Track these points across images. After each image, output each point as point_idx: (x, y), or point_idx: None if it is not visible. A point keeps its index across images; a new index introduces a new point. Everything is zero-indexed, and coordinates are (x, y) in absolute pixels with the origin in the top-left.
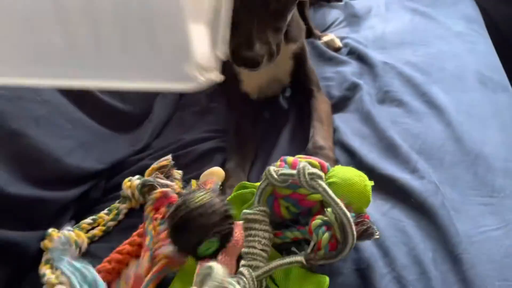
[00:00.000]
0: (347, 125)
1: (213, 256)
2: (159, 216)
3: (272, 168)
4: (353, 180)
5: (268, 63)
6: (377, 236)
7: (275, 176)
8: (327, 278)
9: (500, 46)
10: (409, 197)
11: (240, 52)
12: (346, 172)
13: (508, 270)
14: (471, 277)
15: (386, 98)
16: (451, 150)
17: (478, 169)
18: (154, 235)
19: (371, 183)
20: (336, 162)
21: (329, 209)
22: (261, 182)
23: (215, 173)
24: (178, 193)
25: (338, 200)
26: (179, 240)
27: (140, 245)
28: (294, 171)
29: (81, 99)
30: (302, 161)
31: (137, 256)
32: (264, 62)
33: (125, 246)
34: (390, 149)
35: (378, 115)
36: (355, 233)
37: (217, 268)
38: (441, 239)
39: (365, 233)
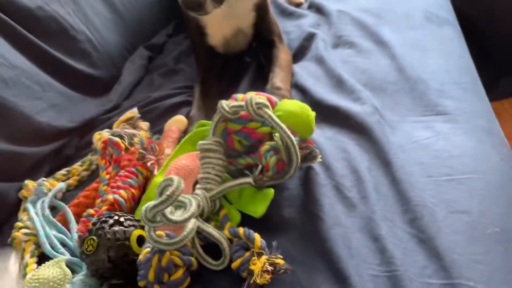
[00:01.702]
0: (303, 69)
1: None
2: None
3: (224, 102)
4: (297, 111)
5: (216, 5)
6: (320, 160)
7: (227, 109)
8: (272, 190)
9: None
10: (350, 120)
11: None
12: (290, 105)
13: (434, 169)
14: (399, 176)
15: (340, 42)
16: (393, 80)
17: (416, 93)
18: (108, 179)
19: (313, 113)
20: None
21: (276, 134)
22: (214, 116)
23: (178, 121)
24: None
25: (283, 125)
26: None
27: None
28: (243, 103)
29: (49, 65)
30: (250, 93)
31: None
32: (208, 3)
33: (89, 191)
34: (338, 84)
35: (331, 58)
36: (299, 154)
37: (177, 181)
38: (375, 151)
39: (309, 156)
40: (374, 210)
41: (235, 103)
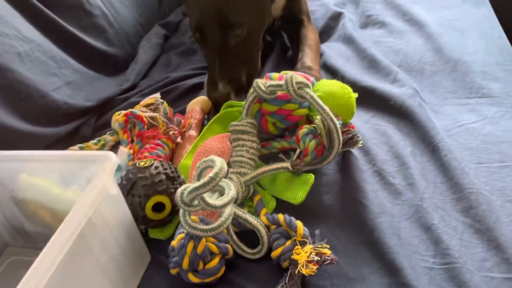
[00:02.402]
0: (331, 49)
1: (166, 219)
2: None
3: (259, 81)
4: (338, 93)
5: (238, 98)
6: (361, 145)
7: (263, 88)
8: (312, 175)
9: None
10: (388, 102)
11: (208, 92)
12: (330, 86)
13: (484, 155)
14: (448, 161)
15: (368, 22)
16: (430, 61)
17: (457, 75)
18: (132, 154)
19: (355, 95)
20: None
21: (318, 117)
22: (248, 95)
23: (201, 101)
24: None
25: (325, 107)
26: (129, 203)
27: None
28: (282, 82)
29: (64, 40)
30: (288, 72)
31: None
32: (231, 98)
33: None
34: (372, 65)
35: (360, 37)
36: (341, 138)
37: (220, 162)
38: (419, 135)
39: (350, 141)
40: (422, 198)
41: (273, 82)
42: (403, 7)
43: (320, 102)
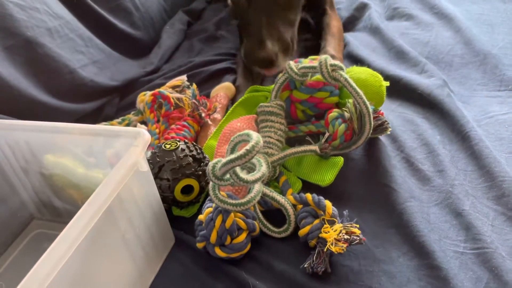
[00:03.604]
0: (356, 39)
1: (194, 200)
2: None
3: (292, 62)
4: (369, 80)
5: (285, 59)
6: (389, 132)
7: (295, 70)
8: (342, 158)
9: None
10: (416, 92)
11: (253, 54)
12: (361, 73)
13: None
14: (480, 150)
15: (395, 14)
16: (460, 53)
17: (487, 68)
18: (158, 133)
19: (386, 83)
20: None
21: (350, 100)
22: (279, 77)
23: (226, 87)
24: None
25: (359, 90)
26: (158, 186)
27: None
28: (315, 64)
29: (91, 20)
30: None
31: None
32: (279, 59)
33: None
34: (399, 55)
35: (387, 29)
36: (372, 123)
37: (256, 136)
38: (448, 124)
39: (380, 127)
40: (453, 184)
41: (306, 64)
42: (431, 0)
43: (354, 84)
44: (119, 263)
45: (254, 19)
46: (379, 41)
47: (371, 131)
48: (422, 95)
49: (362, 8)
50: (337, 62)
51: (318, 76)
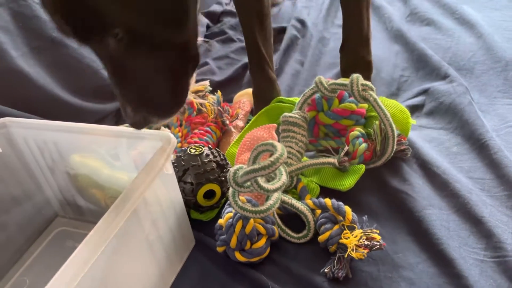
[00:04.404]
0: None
1: (215, 205)
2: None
3: (322, 78)
4: (396, 116)
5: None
6: (408, 155)
7: (325, 85)
8: (364, 166)
9: None
10: (438, 100)
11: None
12: (390, 107)
13: None
14: (498, 159)
15: (416, 19)
16: (481, 60)
17: (508, 74)
18: (180, 137)
19: (413, 121)
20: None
21: (376, 122)
22: (307, 90)
23: (248, 94)
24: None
25: (387, 112)
26: (181, 189)
27: None
28: (346, 81)
29: None
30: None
31: None
32: (154, 120)
33: None
34: (421, 59)
35: (409, 32)
36: (395, 147)
37: (281, 148)
38: (466, 133)
39: (401, 152)
40: (470, 192)
41: (336, 81)
42: (452, 6)
43: (383, 106)
44: (142, 264)
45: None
46: (401, 44)
47: (392, 154)
48: (443, 103)
49: (378, 8)
50: (368, 83)
51: (346, 104)
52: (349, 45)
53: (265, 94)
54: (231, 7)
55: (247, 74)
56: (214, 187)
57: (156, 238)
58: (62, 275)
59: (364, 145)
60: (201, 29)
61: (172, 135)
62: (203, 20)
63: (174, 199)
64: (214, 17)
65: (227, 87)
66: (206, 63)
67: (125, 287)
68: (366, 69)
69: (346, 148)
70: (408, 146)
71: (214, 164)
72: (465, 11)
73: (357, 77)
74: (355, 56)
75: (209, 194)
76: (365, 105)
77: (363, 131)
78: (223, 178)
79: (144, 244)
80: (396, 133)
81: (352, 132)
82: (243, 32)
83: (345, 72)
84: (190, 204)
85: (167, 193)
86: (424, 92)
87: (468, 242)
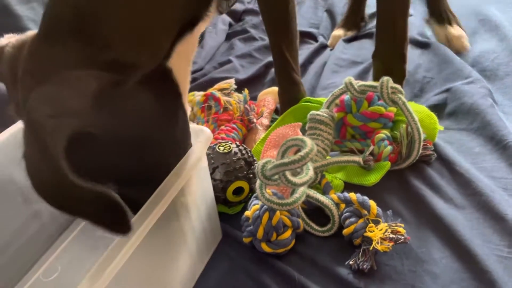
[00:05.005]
0: None
1: (243, 201)
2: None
3: (352, 79)
4: (424, 121)
5: None
6: (432, 160)
7: (355, 87)
8: (389, 163)
9: None
10: (459, 101)
11: None
12: (418, 112)
13: None
14: None
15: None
16: (505, 61)
17: None
18: None
19: (441, 128)
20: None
21: (403, 125)
22: (336, 90)
23: (273, 92)
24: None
25: (415, 116)
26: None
27: None
28: (376, 84)
29: None
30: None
31: None
32: None
33: None
34: (444, 60)
35: (431, 35)
36: (420, 150)
37: (311, 143)
38: (488, 134)
39: (425, 157)
40: (493, 191)
41: (366, 83)
42: (476, 7)
43: (411, 109)
44: (175, 254)
45: None
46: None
47: (417, 158)
48: (465, 104)
49: None
50: (397, 86)
51: (375, 107)
52: (381, 52)
53: (290, 96)
54: (253, 6)
55: (270, 72)
56: (243, 184)
57: (188, 229)
58: (105, 261)
59: (389, 147)
60: (224, 27)
61: (207, 129)
62: (225, 19)
63: (206, 192)
64: (236, 16)
65: (250, 85)
66: (229, 61)
67: (158, 276)
68: (398, 76)
69: (372, 147)
70: (433, 152)
71: (242, 162)
72: (490, 13)
73: (387, 79)
74: (387, 64)
75: (238, 191)
76: (394, 109)
77: (389, 134)
78: (251, 175)
79: (179, 233)
80: (422, 137)
81: (378, 135)
82: (268, 36)
83: (376, 79)
84: (220, 200)
85: (200, 185)
86: (446, 91)
87: (491, 240)
